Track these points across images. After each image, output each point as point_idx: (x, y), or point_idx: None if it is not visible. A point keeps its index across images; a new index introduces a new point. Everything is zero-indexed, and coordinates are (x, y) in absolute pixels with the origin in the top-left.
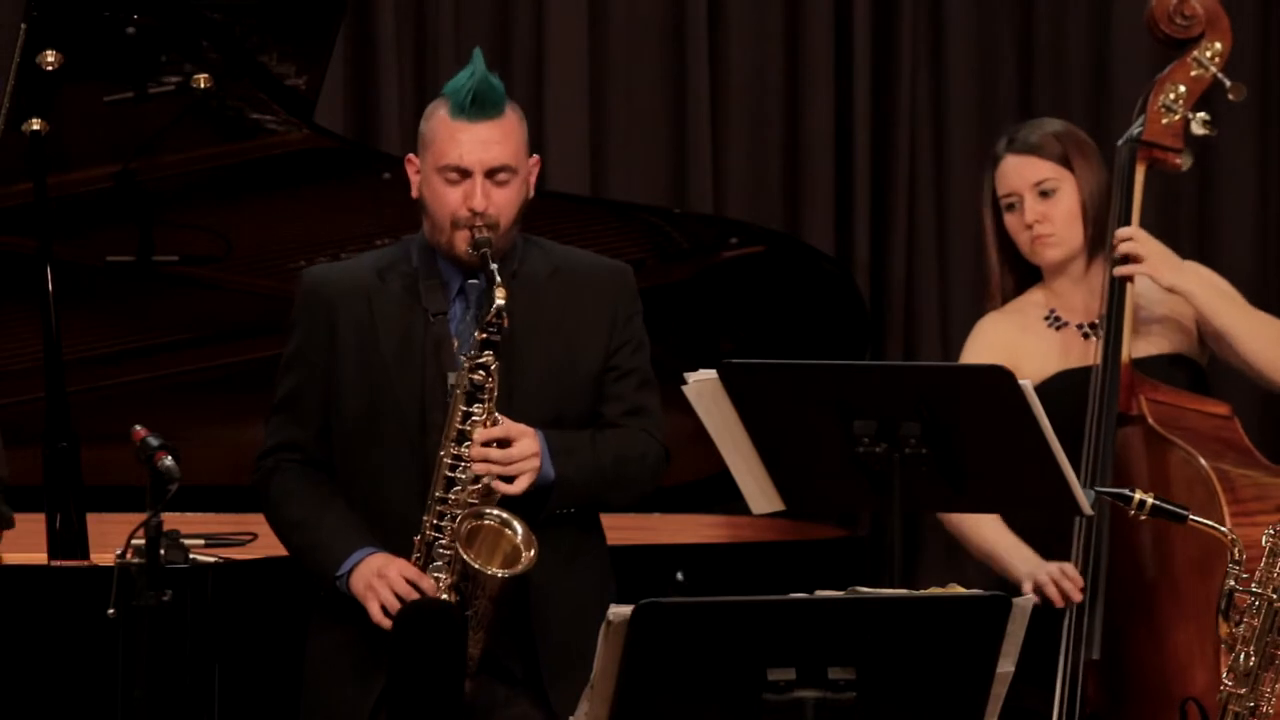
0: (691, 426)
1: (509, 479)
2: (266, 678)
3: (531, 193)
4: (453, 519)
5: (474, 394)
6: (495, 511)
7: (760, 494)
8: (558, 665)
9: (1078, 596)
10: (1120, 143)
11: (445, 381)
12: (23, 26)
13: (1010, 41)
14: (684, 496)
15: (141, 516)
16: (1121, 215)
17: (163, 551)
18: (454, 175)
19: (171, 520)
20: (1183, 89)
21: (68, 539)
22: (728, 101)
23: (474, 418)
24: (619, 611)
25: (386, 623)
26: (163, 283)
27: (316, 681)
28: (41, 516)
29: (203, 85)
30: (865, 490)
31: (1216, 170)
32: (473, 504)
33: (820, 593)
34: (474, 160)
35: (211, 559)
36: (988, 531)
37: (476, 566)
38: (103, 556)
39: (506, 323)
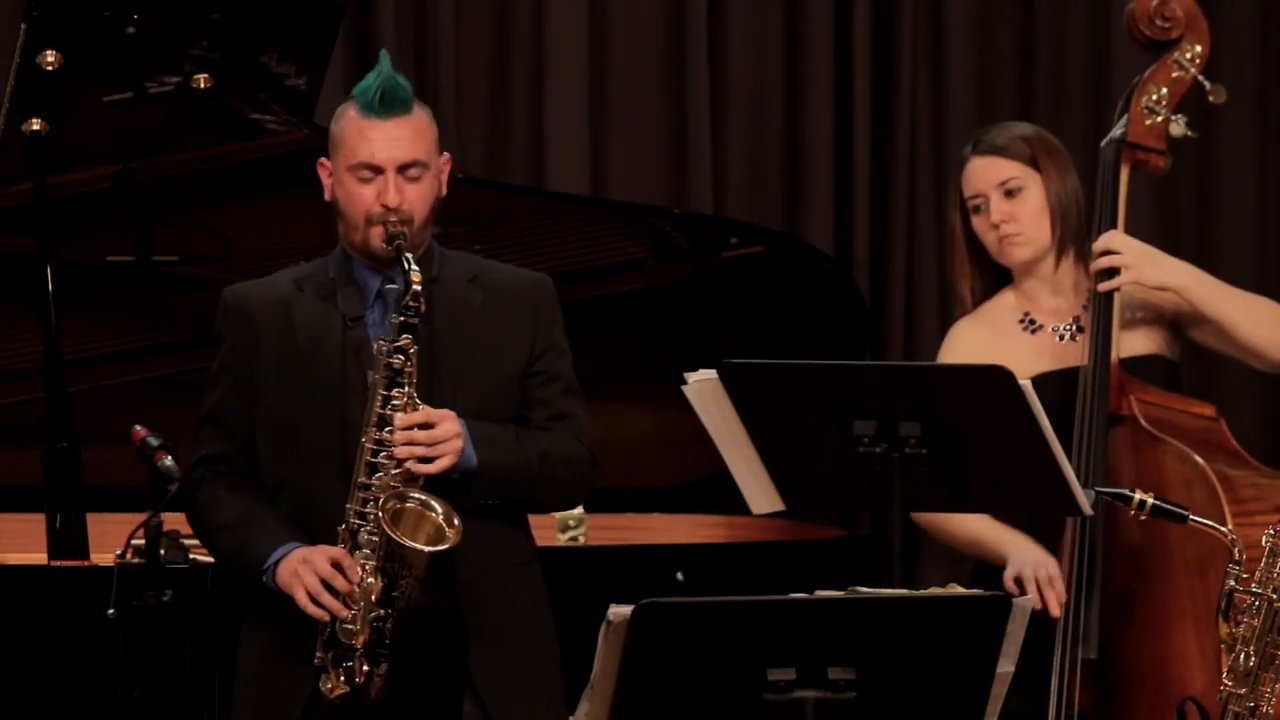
0: (691, 426)
1: (429, 460)
2: None
3: (444, 190)
4: (376, 504)
5: (393, 379)
6: (417, 494)
7: (760, 494)
8: (487, 658)
9: (1055, 612)
10: (1104, 144)
11: (365, 381)
12: (23, 26)
13: (1010, 42)
14: (684, 496)
15: (141, 516)
16: (1106, 216)
17: (163, 551)
18: (366, 173)
19: (171, 520)
20: (1165, 90)
21: (68, 539)
22: (728, 101)
23: (394, 402)
24: (619, 611)
25: (313, 609)
26: (163, 283)
27: (247, 685)
28: (41, 516)
29: (203, 85)
30: (865, 490)
31: (1216, 169)
32: (395, 488)
33: (820, 593)
34: (386, 157)
35: (212, 559)
36: (972, 520)
37: (402, 542)
38: (103, 556)
39: (424, 308)
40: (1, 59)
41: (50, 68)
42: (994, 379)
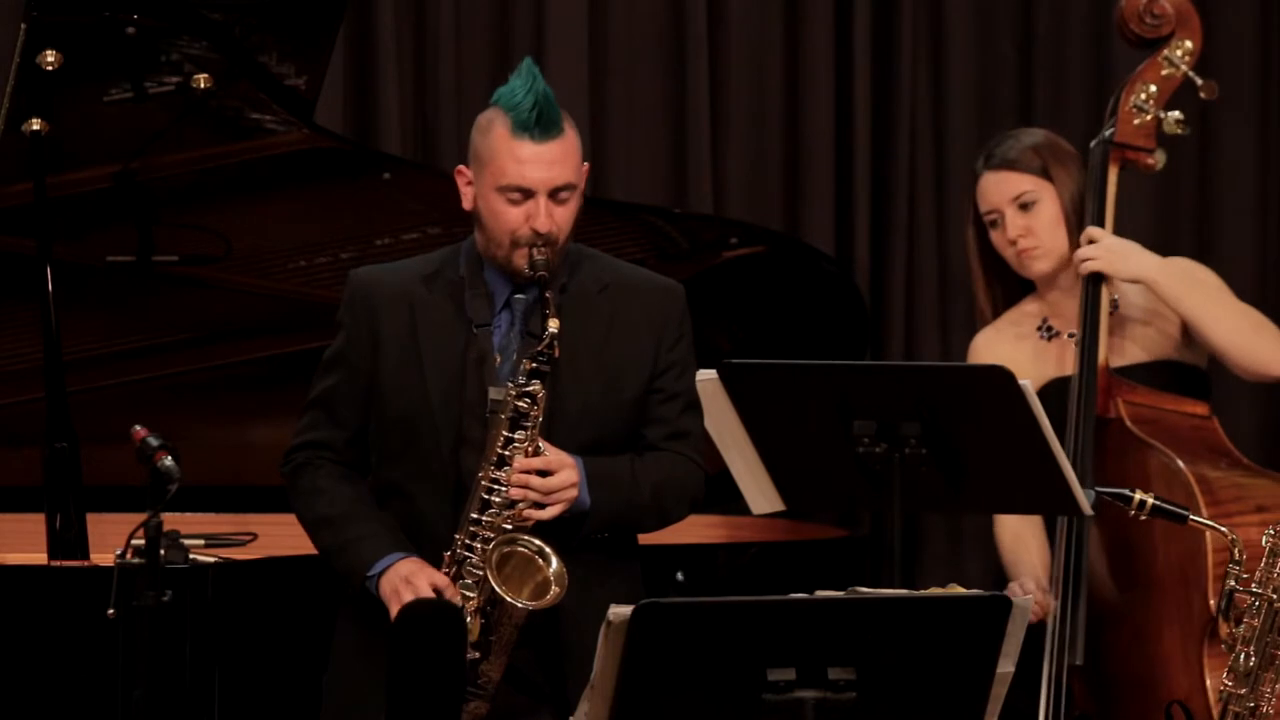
0: None
1: (542, 505)
2: (266, 678)
3: (582, 201)
4: (484, 540)
5: (518, 420)
6: (532, 540)
7: (760, 494)
8: (585, 683)
9: (1033, 618)
10: (1093, 144)
11: (485, 396)
12: (23, 26)
13: (1010, 41)
14: None
15: (141, 516)
16: (1095, 217)
17: (163, 551)
18: (516, 195)
19: (171, 520)
20: (1154, 88)
21: (68, 539)
22: (728, 101)
23: (515, 444)
24: (619, 611)
25: None
26: (163, 283)
27: (337, 681)
28: (41, 516)
29: (203, 85)
30: (865, 490)
31: (1216, 168)
32: (506, 529)
33: (820, 593)
34: (539, 181)
35: (211, 559)
36: (1005, 537)
37: (506, 597)
38: (103, 556)
39: (557, 353)
40: (1, 59)
41: (50, 68)
42: (994, 379)
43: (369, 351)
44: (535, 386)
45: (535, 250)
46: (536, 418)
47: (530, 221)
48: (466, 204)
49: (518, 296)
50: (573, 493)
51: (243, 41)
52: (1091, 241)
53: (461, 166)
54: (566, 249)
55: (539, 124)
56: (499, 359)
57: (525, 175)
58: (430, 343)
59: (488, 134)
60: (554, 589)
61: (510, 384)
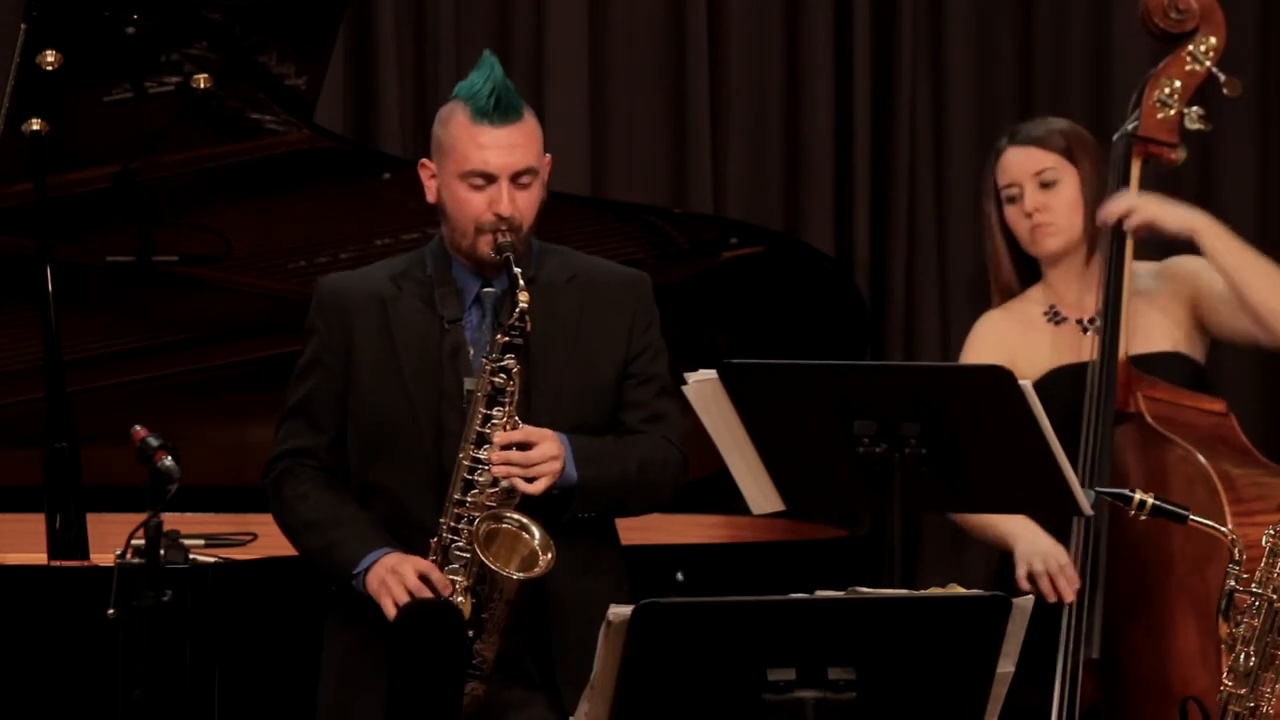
0: (691, 426)
1: (529, 479)
2: (266, 678)
3: (545, 192)
4: (470, 522)
5: (494, 397)
6: (513, 515)
7: (760, 494)
8: (573, 670)
9: (1069, 598)
10: (1116, 137)
11: (462, 388)
12: (23, 26)
13: (1010, 41)
14: (684, 496)
15: (141, 516)
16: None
17: (163, 551)
18: (479, 181)
19: (171, 520)
20: (1178, 84)
21: (68, 539)
22: (728, 101)
23: (494, 421)
24: (619, 611)
25: None
26: (163, 283)
27: (332, 684)
28: (41, 516)
29: (203, 85)
30: (865, 490)
31: (1216, 169)
32: (490, 507)
33: (820, 593)
34: (500, 165)
35: (211, 559)
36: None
37: (495, 569)
38: (103, 556)
39: (529, 326)
40: (1, 59)
41: (50, 68)
42: (994, 379)
43: (343, 354)
44: (509, 361)
45: (499, 234)
46: (513, 393)
47: (493, 207)
48: (430, 197)
49: (486, 290)
50: (556, 465)
51: (243, 41)
52: (1124, 204)
53: (425, 160)
54: (530, 239)
55: (498, 109)
56: (472, 351)
57: (487, 160)
58: (404, 340)
59: (448, 124)
60: (543, 558)
61: (485, 359)
